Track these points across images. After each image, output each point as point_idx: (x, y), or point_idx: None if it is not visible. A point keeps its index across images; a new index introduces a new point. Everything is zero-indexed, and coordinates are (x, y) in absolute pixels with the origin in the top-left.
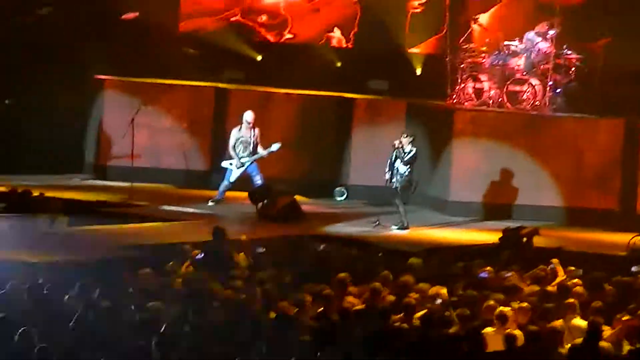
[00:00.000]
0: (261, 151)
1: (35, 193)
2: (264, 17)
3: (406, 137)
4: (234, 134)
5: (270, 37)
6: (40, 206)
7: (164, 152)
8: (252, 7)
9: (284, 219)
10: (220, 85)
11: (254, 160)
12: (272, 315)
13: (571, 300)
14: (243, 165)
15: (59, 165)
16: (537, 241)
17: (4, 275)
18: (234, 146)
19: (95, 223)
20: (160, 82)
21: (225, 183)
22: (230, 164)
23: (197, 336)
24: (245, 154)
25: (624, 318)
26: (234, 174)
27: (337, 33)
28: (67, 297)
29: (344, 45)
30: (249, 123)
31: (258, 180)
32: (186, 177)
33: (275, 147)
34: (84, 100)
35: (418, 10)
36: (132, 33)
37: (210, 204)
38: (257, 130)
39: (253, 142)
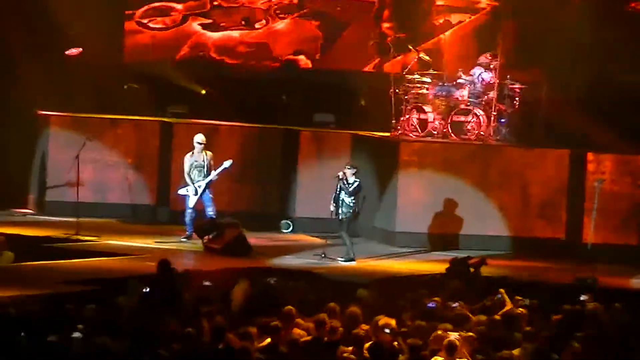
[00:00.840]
0: (213, 173)
1: None
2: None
3: (349, 168)
4: (187, 159)
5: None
6: None
7: (110, 187)
8: (200, 41)
9: (231, 252)
10: (165, 119)
11: (208, 186)
12: (220, 347)
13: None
14: (199, 190)
15: (2, 200)
16: (485, 271)
17: None
18: (189, 172)
19: (41, 259)
20: (106, 117)
21: (188, 212)
22: (187, 190)
23: None
24: (200, 178)
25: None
26: (192, 200)
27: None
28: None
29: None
30: (201, 144)
31: (210, 211)
32: (132, 211)
33: (227, 163)
34: (29, 136)
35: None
36: (76, 68)
37: (183, 239)
38: (209, 153)
39: (207, 166)
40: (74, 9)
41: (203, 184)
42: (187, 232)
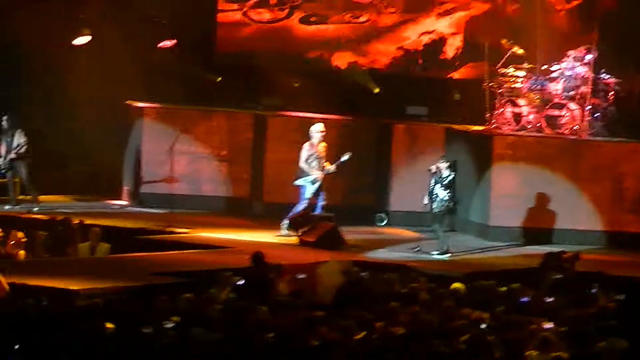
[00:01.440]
0: (332, 165)
1: (75, 221)
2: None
3: (443, 162)
4: (307, 149)
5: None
6: (80, 234)
7: (204, 179)
8: (295, 35)
9: (324, 245)
10: (258, 112)
11: (325, 175)
12: (315, 341)
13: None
14: (317, 181)
15: (97, 192)
16: (578, 265)
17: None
18: (307, 161)
19: (135, 250)
20: (199, 108)
21: (304, 203)
22: (305, 180)
23: None
24: (318, 168)
25: None
26: (309, 190)
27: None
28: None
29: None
30: (322, 133)
31: (322, 201)
32: (226, 204)
33: (345, 156)
34: (122, 127)
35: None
36: (170, 60)
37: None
38: (323, 144)
39: (323, 157)
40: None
41: (322, 175)
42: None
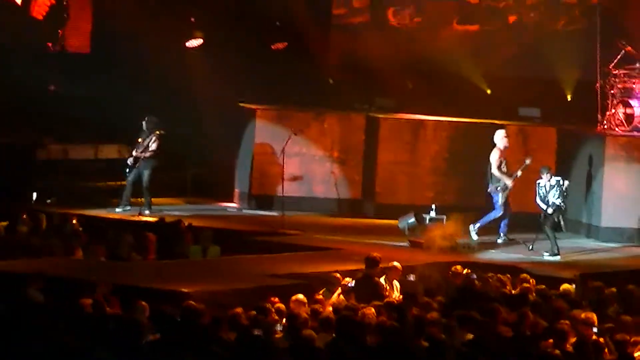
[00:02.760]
0: (518, 171)
1: (185, 223)
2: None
3: (546, 173)
4: (496, 155)
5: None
6: (192, 236)
7: (316, 181)
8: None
9: (434, 246)
10: (371, 113)
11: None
12: (424, 342)
13: None
14: (509, 188)
15: (209, 194)
16: None
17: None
18: (500, 168)
19: (246, 252)
20: (311, 110)
21: (497, 213)
22: (497, 187)
23: None
24: (508, 174)
25: None
26: (502, 197)
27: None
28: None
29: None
30: (507, 139)
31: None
32: (338, 205)
33: (528, 161)
34: (234, 129)
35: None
36: (282, 62)
37: (499, 240)
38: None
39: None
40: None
41: (512, 181)
42: (501, 233)
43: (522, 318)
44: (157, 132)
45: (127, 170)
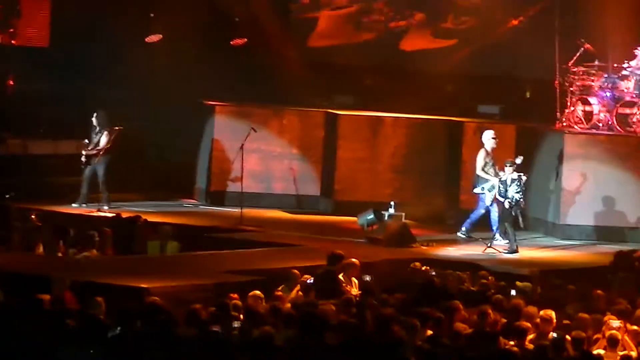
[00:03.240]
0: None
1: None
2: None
3: (509, 166)
4: (483, 156)
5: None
6: (150, 232)
7: (275, 177)
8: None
9: (394, 243)
10: (330, 110)
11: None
12: (383, 339)
13: None
14: (494, 188)
15: (171, 190)
16: None
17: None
18: (483, 168)
19: (205, 248)
20: (271, 107)
21: (479, 212)
22: (483, 188)
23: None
24: (494, 174)
25: None
26: (489, 198)
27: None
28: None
29: None
30: (495, 140)
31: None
32: (297, 202)
33: (518, 160)
34: (195, 127)
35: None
36: (242, 57)
37: (460, 234)
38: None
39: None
40: None
41: (496, 182)
42: (494, 232)
43: (482, 315)
44: (109, 128)
45: (82, 166)
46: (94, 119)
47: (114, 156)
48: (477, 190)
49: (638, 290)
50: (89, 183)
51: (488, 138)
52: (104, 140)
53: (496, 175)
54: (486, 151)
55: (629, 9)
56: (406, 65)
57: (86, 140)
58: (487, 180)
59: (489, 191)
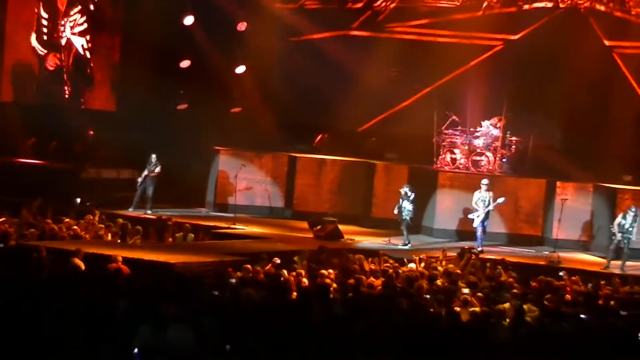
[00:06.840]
0: (491, 205)
1: (171, 220)
2: None
3: (408, 188)
4: (476, 195)
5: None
6: (176, 228)
7: (256, 195)
8: None
9: (330, 237)
10: (292, 153)
11: (489, 212)
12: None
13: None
14: (480, 216)
15: (190, 202)
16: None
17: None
18: (476, 203)
19: (211, 239)
20: (254, 151)
21: (478, 228)
22: (474, 215)
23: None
24: (482, 208)
25: None
26: (477, 221)
27: None
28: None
29: None
30: (487, 186)
31: (481, 228)
32: (270, 211)
33: (500, 200)
34: (207, 162)
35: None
36: (237, 121)
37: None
38: (491, 192)
39: (488, 200)
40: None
41: (484, 212)
42: (477, 247)
43: (386, 284)
44: (161, 162)
45: (138, 184)
46: (153, 156)
47: (159, 179)
48: (471, 216)
49: (482, 273)
50: (139, 195)
51: (483, 183)
52: (158, 169)
53: (484, 208)
54: (480, 192)
55: (482, 93)
56: (340, 125)
57: (146, 171)
58: (477, 210)
59: (478, 217)
